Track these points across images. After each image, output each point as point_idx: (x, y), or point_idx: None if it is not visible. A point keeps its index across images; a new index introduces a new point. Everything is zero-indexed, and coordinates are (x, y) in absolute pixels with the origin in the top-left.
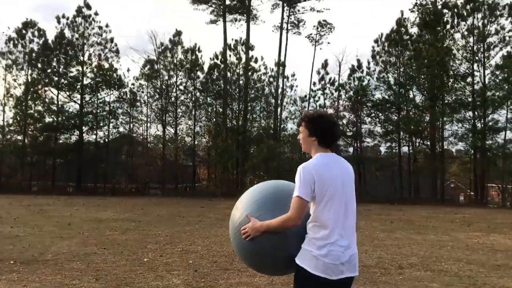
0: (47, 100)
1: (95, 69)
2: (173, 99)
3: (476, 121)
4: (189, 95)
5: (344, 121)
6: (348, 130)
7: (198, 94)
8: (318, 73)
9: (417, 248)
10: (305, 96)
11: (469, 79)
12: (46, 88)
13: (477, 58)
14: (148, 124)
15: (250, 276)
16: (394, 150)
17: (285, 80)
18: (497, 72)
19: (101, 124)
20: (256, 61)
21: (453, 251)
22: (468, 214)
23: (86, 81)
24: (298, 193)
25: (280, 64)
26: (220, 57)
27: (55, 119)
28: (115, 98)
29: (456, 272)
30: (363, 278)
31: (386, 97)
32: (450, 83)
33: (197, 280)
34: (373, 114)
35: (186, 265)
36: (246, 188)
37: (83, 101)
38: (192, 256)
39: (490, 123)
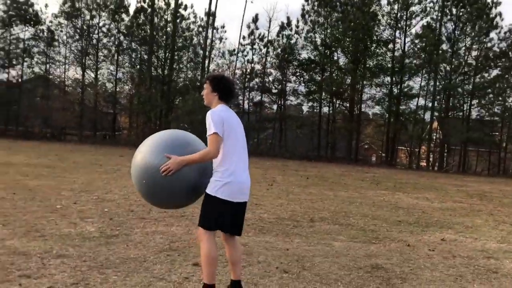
0: None
1: (8, 1)
2: (94, 41)
3: (393, 86)
4: (112, 38)
5: (270, 78)
6: (273, 87)
7: (122, 38)
8: (248, 27)
9: (328, 203)
10: (234, 50)
11: (390, 46)
12: None
13: (399, 25)
14: (67, 66)
15: (166, 225)
16: (315, 110)
17: (214, 31)
18: (416, 41)
19: (14, 62)
20: (185, 8)
21: (361, 207)
22: (378, 173)
23: None
24: (214, 130)
25: (210, 14)
26: (147, 1)
27: None
28: (30, 35)
29: (361, 227)
30: (276, 229)
31: (312, 57)
32: (372, 48)
33: (112, 228)
34: (298, 73)
35: (101, 213)
36: None
37: None
38: (108, 204)
39: (406, 89)
